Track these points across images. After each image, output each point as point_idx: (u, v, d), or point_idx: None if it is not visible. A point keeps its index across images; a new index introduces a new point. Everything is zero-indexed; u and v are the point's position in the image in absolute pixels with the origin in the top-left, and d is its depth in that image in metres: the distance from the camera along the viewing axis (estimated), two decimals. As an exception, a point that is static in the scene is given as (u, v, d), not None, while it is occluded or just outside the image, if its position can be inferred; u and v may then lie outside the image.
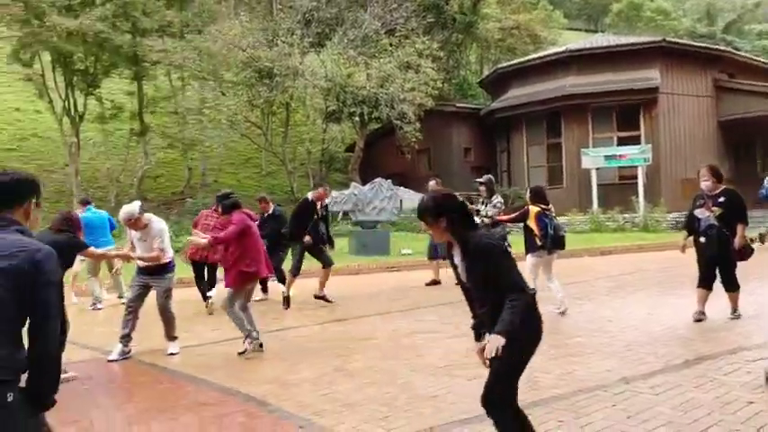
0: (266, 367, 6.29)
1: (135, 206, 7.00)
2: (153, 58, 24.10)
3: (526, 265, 8.26)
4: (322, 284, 10.13)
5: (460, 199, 3.52)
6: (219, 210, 7.54)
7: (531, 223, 8.27)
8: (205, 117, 24.58)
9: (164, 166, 28.71)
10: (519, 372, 3.34)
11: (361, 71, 23.87)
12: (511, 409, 3.35)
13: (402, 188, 18.51)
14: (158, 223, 7.09)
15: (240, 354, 6.76)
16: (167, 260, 7.07)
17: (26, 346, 2.36)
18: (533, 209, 8.33)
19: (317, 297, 10.07)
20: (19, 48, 23.45)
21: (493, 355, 3.10)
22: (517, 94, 25.77)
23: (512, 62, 28.00)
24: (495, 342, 3.10)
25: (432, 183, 11.75)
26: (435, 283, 11.71)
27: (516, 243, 8.23)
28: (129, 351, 7.05)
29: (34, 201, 2.60)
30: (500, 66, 28.60)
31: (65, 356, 6.19)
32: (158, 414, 4.94)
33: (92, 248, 6.87)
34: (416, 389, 5.30)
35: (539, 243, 8.19)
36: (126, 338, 6.98)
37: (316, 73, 23.18)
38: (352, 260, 15.75)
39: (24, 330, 2.37)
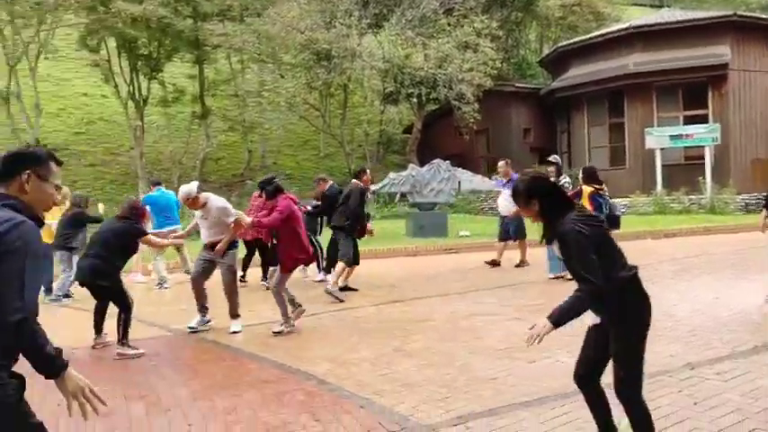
0: (326, 346, 6.36)
1: (192, 186, 7.23)
2: (213, 42, 24.52)
3: None
4: (346, 276, 9.49)
5: (553, 181, 3.47)
6: (263, 195, 7.64)
7: (585, 203, 8.31)
8: (264, 99, 24.91)
9: (224, 149, 29.23)
10: (638, 356, 3.27)
11: (419, 52, 23.72)
12: (640, 395, 3.30)
13: (460, 169, 18.35)
14: (217, 201, 7.28)
15: (275, 333, 6.93)
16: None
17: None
18: (586, 189, 8.43)
19: (329, 291, 9.08)
20: (86, 34, 24.24)
21: (533, 342, 3.09)
22: (578, 72, 25.20)
23: (573, 40, 27.35)
24: (538, 328, 3.10)
25: (501, 163, 11.70)
26: (495, 263, 11.61)
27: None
28: (209, 321, 7.38)
29: (30, 173, 2.47)
30: (561, 44, 27.98)
31: (132, 333, 6.45)
32: (222, 390, 5.05)
33: (149, 236, 7.06)
34: (475, 371, 5.28)
35: None
36: (203, 309, 7.32)
37: (373, 54, 23.16)
38: (410, 242, 15.76)
39: None
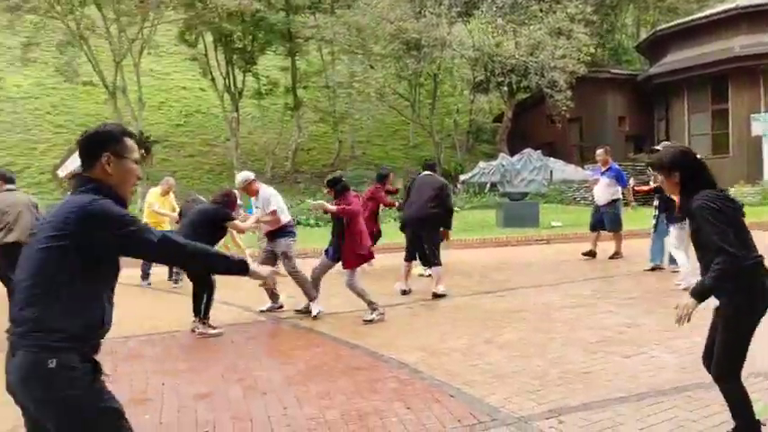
0: (417, 336, 6.40)
1: (248, 172, 8.00)
2: (305, 35, 24.95)
3: (670, 238, 8.57)
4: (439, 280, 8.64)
5: (699, 157, 3.49)
6: (332, 193, 7.77)
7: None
8: (354, 90, 25.14)
9: (315, 140, 29.74)
10: (741, 341, 3.24)
11: (510, 39, 23.34)
12: (737, 380, 3.30)
13: (552, 159, 17.99)
14: (266, 190, 7.73)
15: (366, 322, 6.98)
16: (283, 223, 7.64)
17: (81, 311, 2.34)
18: None
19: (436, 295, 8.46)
20: (185, 30, 25.24)
21: (683, 321, 3.15)
22: (678, 57, 24.16)
23: (673, 23, 26.21)
24: (683, 307, 3.16)
25: (600, 151, 11.46)
26: (591, 254, 11.32)
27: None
28: (280, 306, 7.88)
29: (109, 155, 2.49)
30: (660, 27, 26.88)
31: (229, 318, 6.69)
32: (315, 376, 5.18)
33: (235, 222, 7.33)
34: (568, 364, 5.19)
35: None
36: (273, 296, 7.89)
37: (463, 43, 22.97)
38: (500, 232, 15.60)
39: (79, 294, 2.35)
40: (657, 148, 10.35)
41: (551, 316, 7.03)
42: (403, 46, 23.76)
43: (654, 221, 9.56)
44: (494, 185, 19.31)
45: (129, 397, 4.82)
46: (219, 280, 6.93)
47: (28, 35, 23.83)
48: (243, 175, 7.88)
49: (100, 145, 2.52)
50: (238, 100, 26.14)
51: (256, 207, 7.82)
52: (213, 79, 25.63)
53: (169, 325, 7.26)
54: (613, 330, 6.21)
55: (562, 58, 22.77)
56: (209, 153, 28.19)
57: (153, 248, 2.47)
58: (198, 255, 2.61)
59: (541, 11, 24.04)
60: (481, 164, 17.95)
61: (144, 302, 9.15)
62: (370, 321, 7.00)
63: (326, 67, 28.83)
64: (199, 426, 4.24)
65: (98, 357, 2.46)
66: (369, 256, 7.39)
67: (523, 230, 15.51)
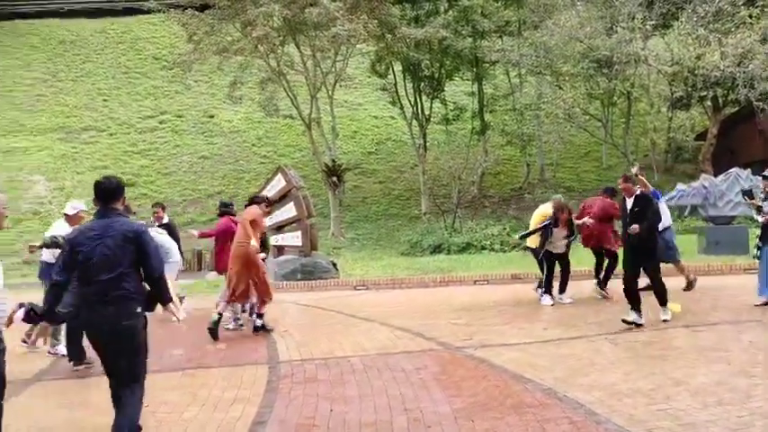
0: (596, 373, 5.92)
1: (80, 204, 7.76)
2: (492, 59, 24.88)
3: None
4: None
5: None
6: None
7: None
8: (542, 112, 24.57)
9: (503, 163, 29.42)
10: None
11: (714, 50, 21.52)
12: None
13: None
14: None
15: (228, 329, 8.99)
16: None
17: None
18: None
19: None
20: (375, 61, 26.29)
21: None
22: None
23: None
24: None
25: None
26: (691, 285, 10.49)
27: None
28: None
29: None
30: None
31: (404, 346, 6.63)
32: (483, 411, 4.94)
33: None
34: (776, 415, 4.51)
35: None
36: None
37: (660, 57, 21.59)
38: (703, 260, 14.25)
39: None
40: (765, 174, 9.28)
41: (757, 357, 6.20)
42: (593, 64, 22.83)
43: (756, 251, 8.93)
44: (695, 208, 17.79)
45: (296, 421, 4.92)
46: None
47: (234, 74, 26.06)
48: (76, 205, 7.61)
49: (123, 189, 4.53)
50: (426, 126, 26.62)
51: None
52: (402, 107, 26.36)
53: (344, 350, 7.39)
54: (836, 378, 5.34)
55: (776, 66, 20.59)
56: (398, 179, 28.90)
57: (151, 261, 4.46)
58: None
59: (751, 16, 21.92)
60: (680, 186, 16.65)
61: (327, 328, 9.42)
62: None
63: (513, 89, 28.50)
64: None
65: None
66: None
67: (729, 258, 14.04)
